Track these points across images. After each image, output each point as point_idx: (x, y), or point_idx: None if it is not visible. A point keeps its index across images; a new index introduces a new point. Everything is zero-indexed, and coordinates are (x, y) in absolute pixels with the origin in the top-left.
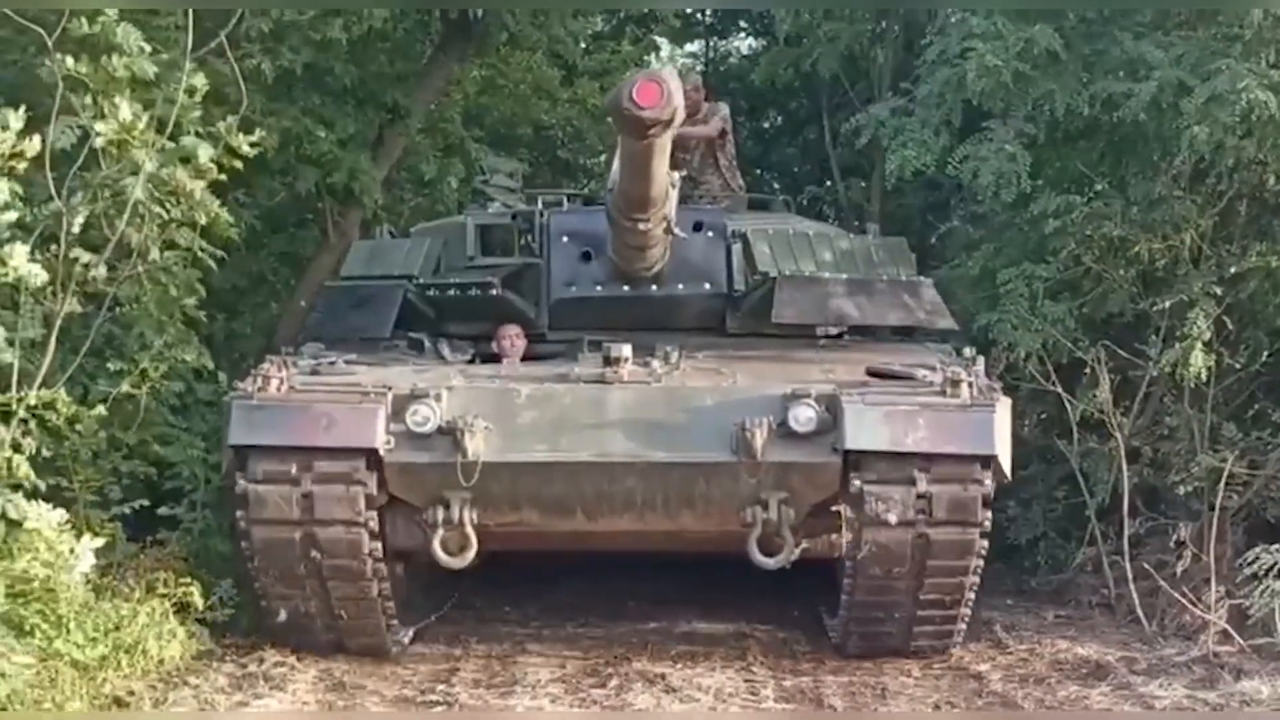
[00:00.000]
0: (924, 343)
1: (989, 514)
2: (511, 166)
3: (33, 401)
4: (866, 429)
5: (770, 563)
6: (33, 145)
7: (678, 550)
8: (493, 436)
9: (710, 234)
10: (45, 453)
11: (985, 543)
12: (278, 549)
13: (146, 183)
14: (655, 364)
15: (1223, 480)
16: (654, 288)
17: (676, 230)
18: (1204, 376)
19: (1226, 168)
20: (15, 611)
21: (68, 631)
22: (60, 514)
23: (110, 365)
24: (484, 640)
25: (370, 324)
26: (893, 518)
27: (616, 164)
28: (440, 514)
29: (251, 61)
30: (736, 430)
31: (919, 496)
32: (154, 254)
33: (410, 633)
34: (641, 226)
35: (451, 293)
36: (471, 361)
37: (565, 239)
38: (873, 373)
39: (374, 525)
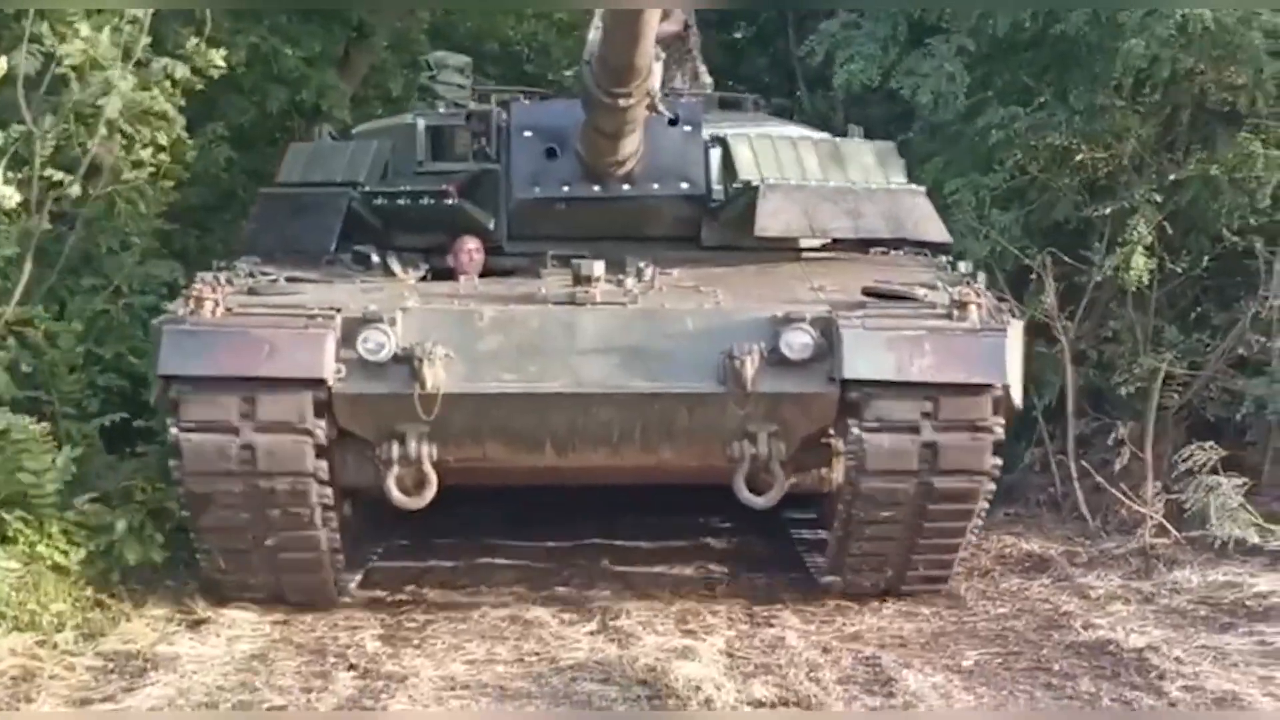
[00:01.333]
0: (916, 255)
1: (999, 460)
2: (461, 60)
3: (10, 318)
4: (867, 356)
5: (759, 501)
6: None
7: (652, 481)
8: (454, 364)
9: (688, 128)
10: (25, 367)
11: (993, 486)
12: (214, 500)
13: (120, 104)
14: (629, 282)
15: (1158, 380)
16: (625, 187)
17: (661, 108)
18: (1145, 280)
19: (1163, 79)
20: None
21: (49, 537)
22: (42, 425)
23: (85, 282)
24: (438, 573)
25: (312, 236)
26: (895, 465)
27: (594, 33)
28: (395, 450)
29: None
30: (723, 358)
31: (924, 446)
32: (126, 173)
33: (358, 578)
34: (623, 103)
35: (401, 202)
36: (425, 278)
37: (527, 134)
38: (869, 292)
39: (323, 474)
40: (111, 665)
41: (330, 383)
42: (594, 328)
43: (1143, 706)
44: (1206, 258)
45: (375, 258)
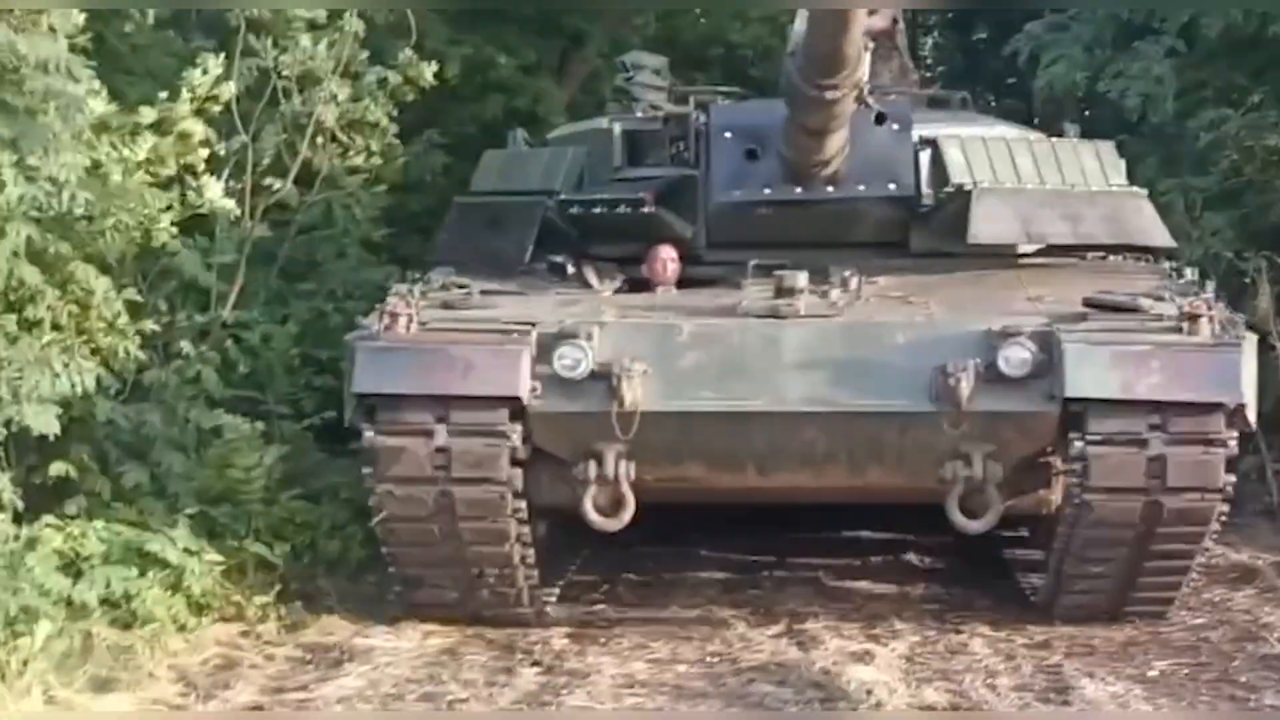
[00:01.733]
0: (1136, 261)
1: (1233, 477)
2: (658, 62)
3: (229, 320)
4: (1091, 373)
5: (974, 525)
6: (228, 88)
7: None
8: (652, 381)
9: (895, 127)
10: (242, 368)
11: (1226, 507)
12: (409, 509)
13: (335, 113)
14: (834, 293)
15: None
16: (829, 189)
17: (870, 100)
18: None
19: None
20: (206, 514)
21: (256, 533)
22: (255, 425)
23: (302, 287)
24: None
25: (506, 246)
26: (1121, 481)
27: (799, 24)
28: (593, 469)
29: None
30: (936, 374)
31: (1151, 460)
32: (340, 180)
33: (555, 593)
34: (829, 95)
35: (597, 210)
36: (620, 289)
37: (728, 135)
38: (1090, 303)
39: (518, 484)
40: (309, 656)
41: (526, 401)
42: (798, 342)
43: None
44: None
45: (570, 268)
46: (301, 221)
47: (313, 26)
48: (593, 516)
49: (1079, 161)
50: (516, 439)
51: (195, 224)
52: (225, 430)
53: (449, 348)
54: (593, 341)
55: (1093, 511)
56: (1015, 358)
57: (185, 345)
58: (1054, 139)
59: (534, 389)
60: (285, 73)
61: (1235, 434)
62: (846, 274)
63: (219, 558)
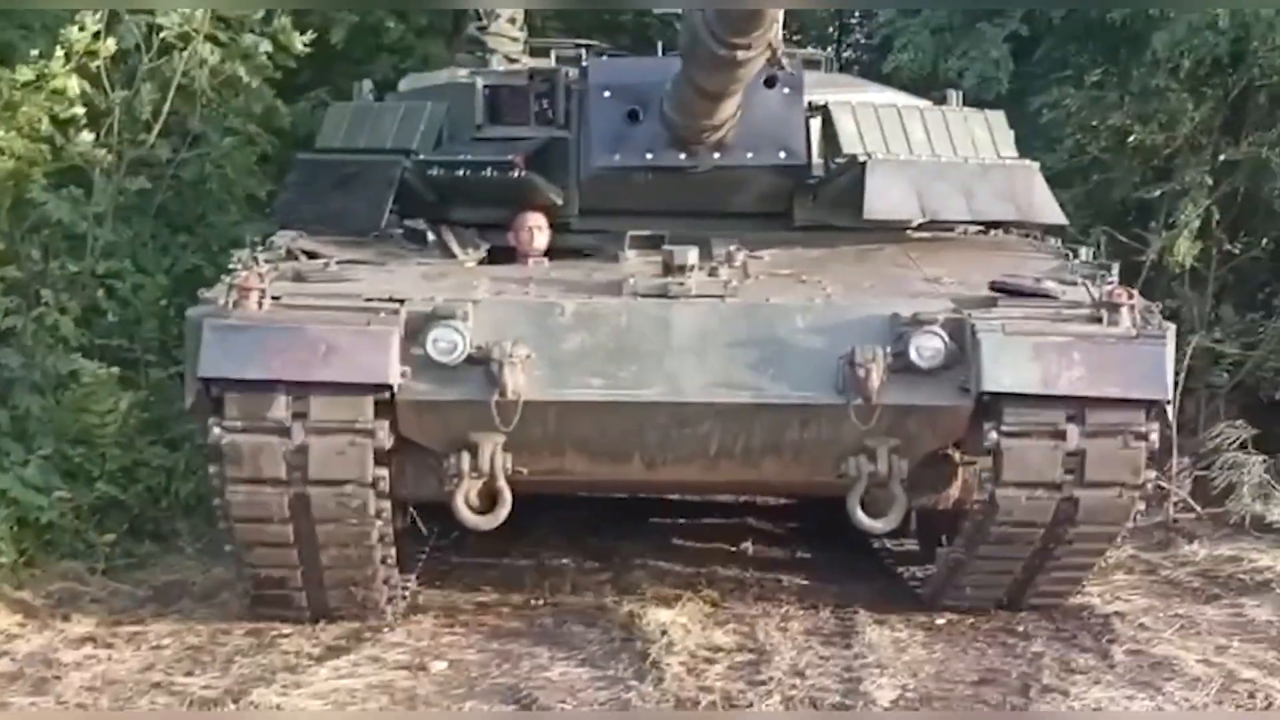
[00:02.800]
0: (1024, 238)
1: (1153, 473)
2: (513, 8)
3: (99, 270)
4: (1009, 366)
5: (877, 525)
6: (107, 47)
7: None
8: (535, 367)
9: (786, 91)
10: (111, 317)
11: (1143, 505)
12: (260, 512)
13: (208, 75)
14: (723, 270)
15: (1185, 360)
16: (716, 156)
17: (784, 61)
18: (1189, 263)
19: (1207, 63)
20: (62, 454)
21: (110, 474)
22: (109, 371)
23: (180, 239)
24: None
25: (360, 210)
26: (1035, 477)
27: None
28: (466, 462)
29: None
30: (843, 364)
31: (1070, 454)
32: (215, 139)
33: (411, 583)
34: (740, 55)
35: (461, 173)
36: (485, 260)
37: (607, 94)
38: (998, 288)
39: (384, 484)
40: (152, 594)
41: (396, 388)
42: (691, 326)
43: (1082, 665)
44: (1265, 239)
45: (430, 235)
46: (184, 177)
47: None
48: (465, 514)
49: (970, 132)
50: (383, 434)
51: (73, 176)
52: (82, 375)
53: (308, 327)
54: (468, 322)
55: (1002, 508)
56: (928, 348)
57: (46, 293)
58: (943, 108)
59: (404, 374)
60: (164, 34)
61: (1156, 426)
62: (732, 248)
63: (69, 496)
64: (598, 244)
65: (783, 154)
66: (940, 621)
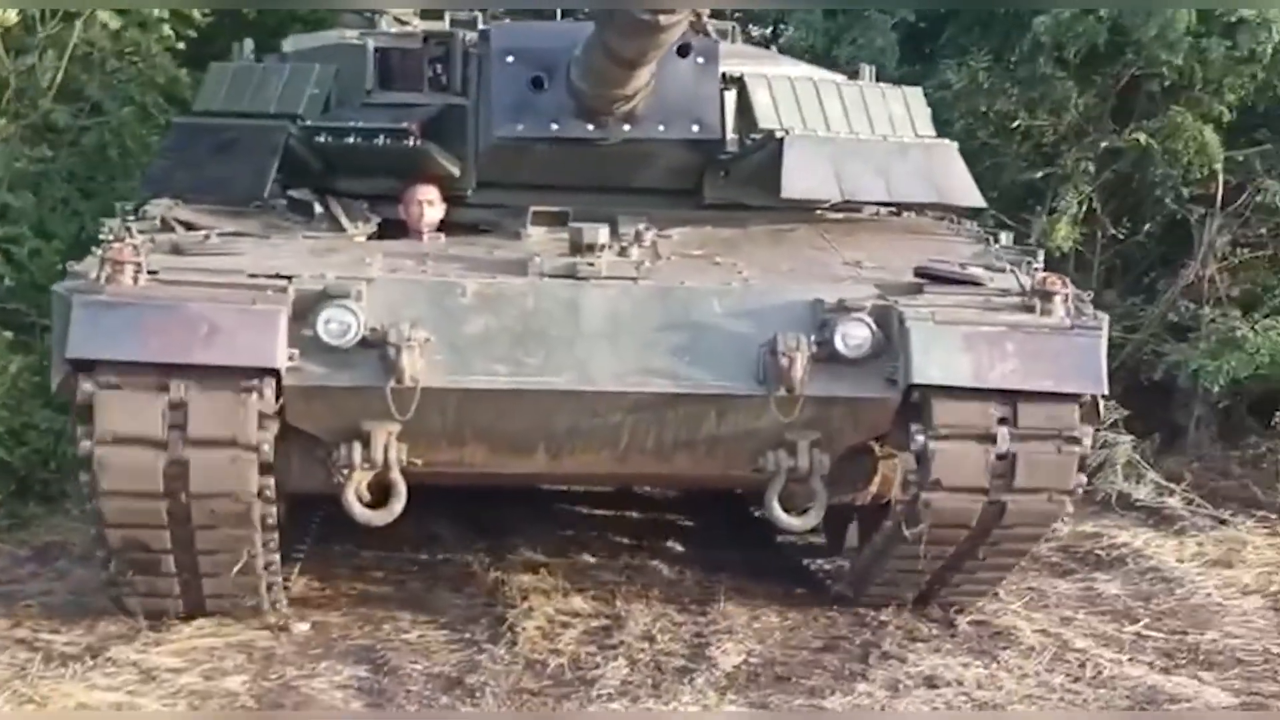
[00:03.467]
0: (940, 220)
1: (1084, 477)
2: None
3: None
4: (939, 356)
5: (796, 523)
6: (8, 17)
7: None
8: (434, 352)
9: (700, 60)
10: (8, 282)
11: (1071, 508)
12: (131, 482)
13: (109, 41)
14: (634, 250)
15: None
16: (626, 128)
17: (710, 29)
18: (1066, 248)
19: (1089, 49)
20: None
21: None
22: (2, 334)
23: (80, 207)
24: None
25: (241, 178)
26: (963, 481)
27: None
28: (358, 453)
29: None
30: (764, 352)
31: (999, 458)
32: (114, 107)
33: (291, 574)
34: (664, 21)
35: (350, 141)
36: (375, 235)
37: (510, 59)
38: (923, 273)
39: (270, 492)
40: (32, 554)
41: (282, 371)
42: (602, 309)
43: (925, 634)
44: (1146, 225)
45: (318, 207)
46: (85, 145)
47: None
48: (356, 509)
49: (887, 109)
50: (268, 447)
51: None
52: None
53: (188, 305)
54: (361, 302)
55: (928, 509)
56: (855, 336)
57: None
58: (859, 83)
59: (291, 357)
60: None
61: (1090, 429)
62: (641, 227)
63: None
64: (495, 219)
65: (696, 127)
66: (799, 591)
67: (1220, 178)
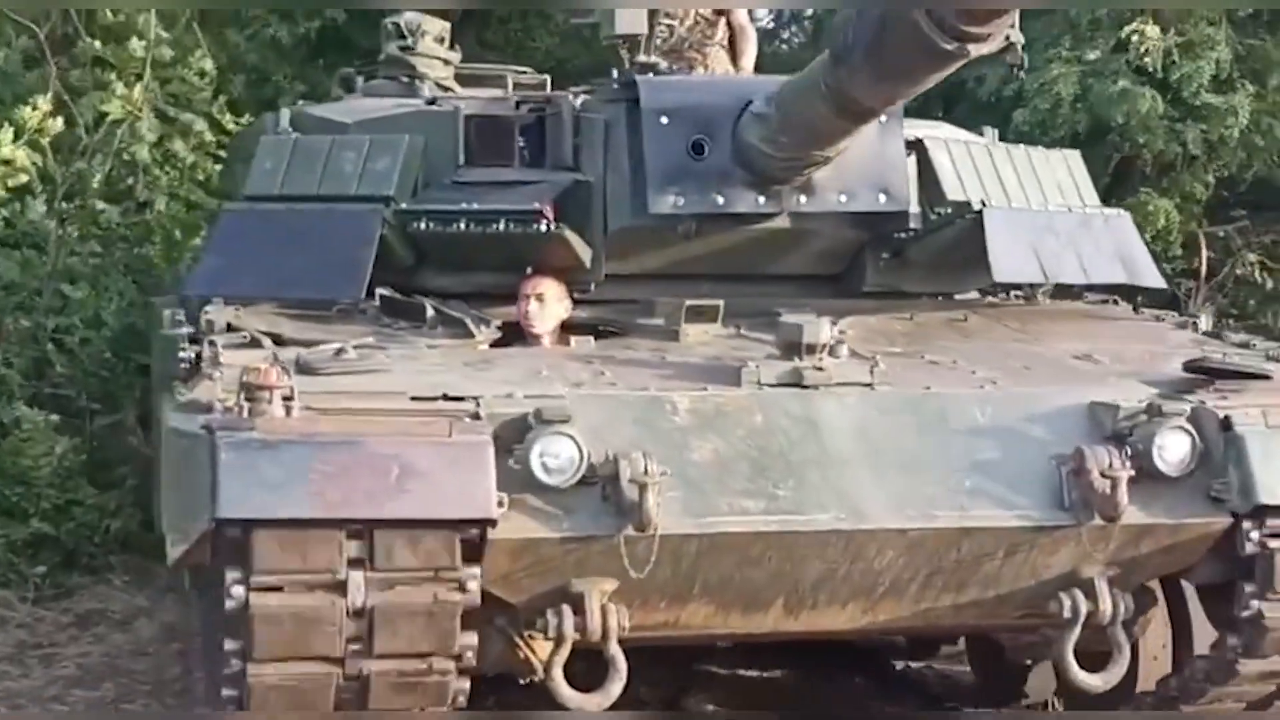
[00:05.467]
0: (1105, 304)
1: None
2: (439, 27)
3: (52, 326)
4: None
5: (1097, 682)
6: (55, 124)
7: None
8: (667, 488)
9: (884, 118)
10: (60, 369)
11: None
12: (297, 695)
13: (150, 149)
14: (843, 350)
15: None
16: (802, 200)
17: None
18: None
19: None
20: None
21: (43, 512)
22: (47, 418)
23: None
24: None
25: (329, 275)
26: None
27: None
28: (569, 621)
29: (269, 31)
30: (1067, 472)
31: None
32: (159, 205)
33: None
34: (975, 50)
35: (462, 226)
36: (503, 341)
37: (664, 120)
38: (1197, 368)
39: (470, 656)
40: (74, 620)
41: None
42: (846, 425)
43: None
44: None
45: (430, 309)
46: (132, 238)
47: (157, 64)
48: (565, 693)
49: (1054, 174)
50: (475, 586)
51: (27, 240)
52: (23, 421)
53: (367, 442)
54: (578, 427)
55: (1244, 671)
56: (1177, 449)
57: None
58: (1021, 146)
59: (500, 502)
60: (110, 118)
61: None
62: (829, 322)
63: (4, 531)
64: (614, 318)
65: (883, 197)
66: None
67: (1204, 252)
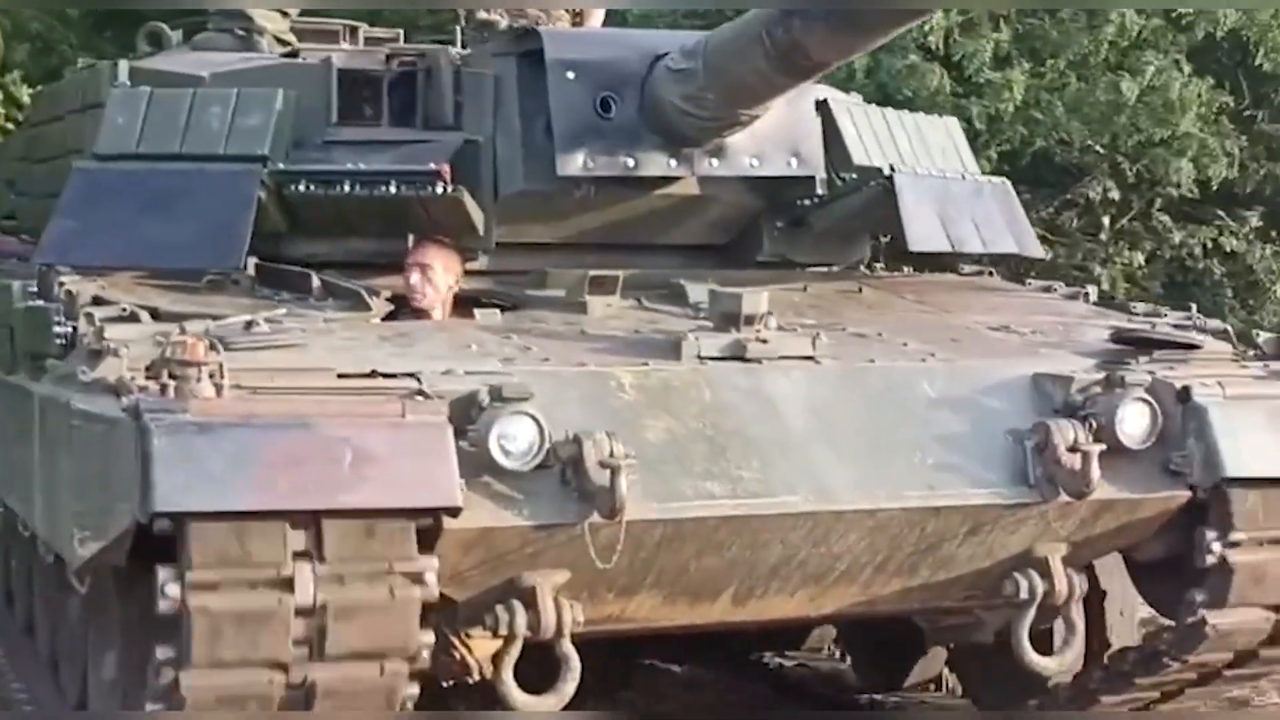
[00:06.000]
0: (983, 274)
1: None
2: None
3: None
4: (1248, 443)
5: (1053, 664)
6: None
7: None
8: (629, 470)
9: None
10: None
11: None
12: (237, 705)
13: None
14: (771, 321)
15: None
16: (713, 163)
17: None
18: None
19: None
20: None
21: None
22: None
23: None
24: None
25: (202, 243)
26: (1261, 597)
27: None
28: (520, 617)
29: None
30: (1031, 448)
31: None
32: None
33: None
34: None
35: (346, 189)
36: (393, 315)
37: (570, 74)
38: (1124, 338)
39: (426, 656)
40: None
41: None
42: (798, 401)
43: None
44: None
45: (317, 280)
46: None
47: None
48: (515, 695)
49: (939, 140)
50: (432, 579)
51: None
52: None
53: (319, 425)
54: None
55: (1212, 633)
56: (1139, 422)
57: None
58: (902, 112)
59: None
60: None
61: None
62: (714, 288)
63: None
64: (502, 290)
65: (794, 161)
66: None
67: None
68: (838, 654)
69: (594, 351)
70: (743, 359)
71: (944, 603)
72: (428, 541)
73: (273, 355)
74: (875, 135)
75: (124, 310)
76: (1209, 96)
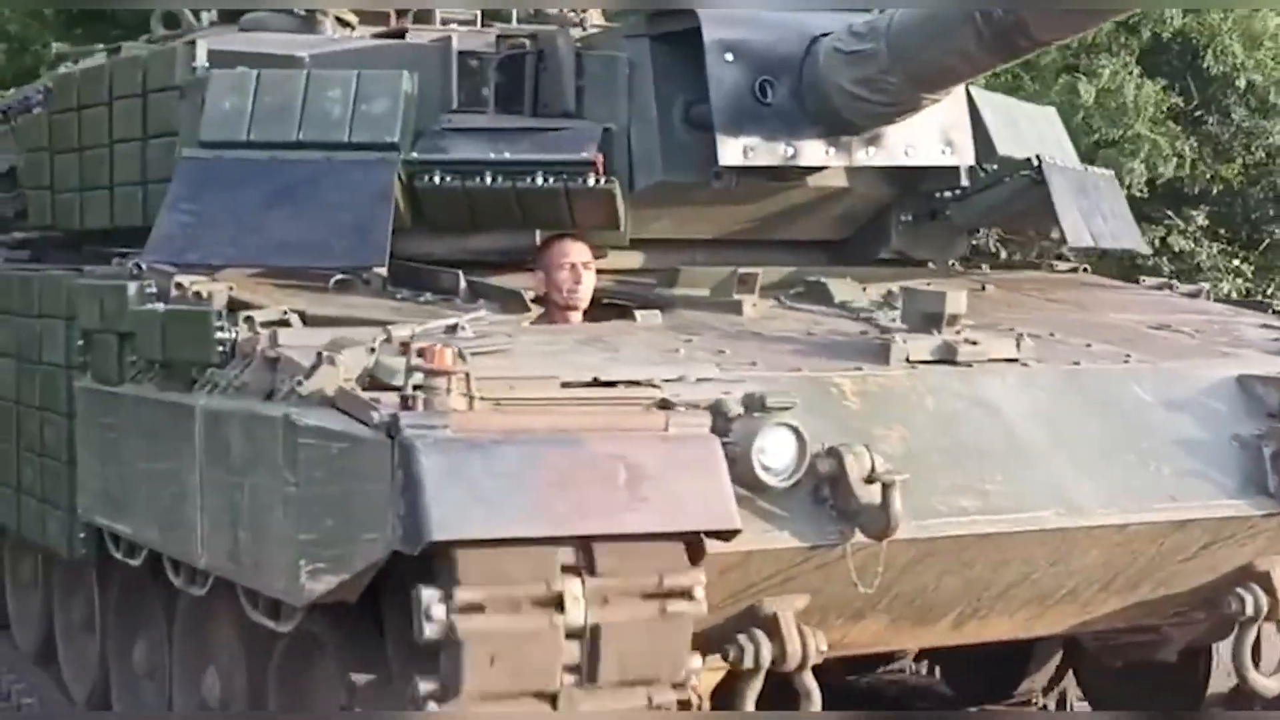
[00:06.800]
0: (1085, 273)
1: None
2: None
3: None
4: None
5: (1271, 685)
6: None
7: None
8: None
9: None
10: None
11: None
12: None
13: None
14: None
15: None
16: (869, 151)
17: None
18: None
19: None
20: None
21: None
22: None
23: None
24: None
25: (338, 239)
26: None
27: None
28: (765, 649)
29: None
30: (1271, 451)
31: None
32: None
33: None
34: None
35: (489, 181)
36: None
37: (729, 57)
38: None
39: (695, 683)
40: None
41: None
42: (1025, 408)
43: None
44: None
45: (463, 283)
46: None
47: None
48: None
49: (1050, 133)
50: (701, 595)
51: None
52: None
53: (587, 442)
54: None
55: None
56: None
57: None
58: (995, 95)
59: None
60: None
61: None
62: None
63: None
64: (625, 289)
65: (947, 150)
66: None
67: None
68: (921, 669)
69: (798, 354)
70: (953, 362)
71: (1154, 620)
72: (696, 555)
73: (488, 362)
74: (1014, 124)
75: (284, 313)
76: (1159, 98)
